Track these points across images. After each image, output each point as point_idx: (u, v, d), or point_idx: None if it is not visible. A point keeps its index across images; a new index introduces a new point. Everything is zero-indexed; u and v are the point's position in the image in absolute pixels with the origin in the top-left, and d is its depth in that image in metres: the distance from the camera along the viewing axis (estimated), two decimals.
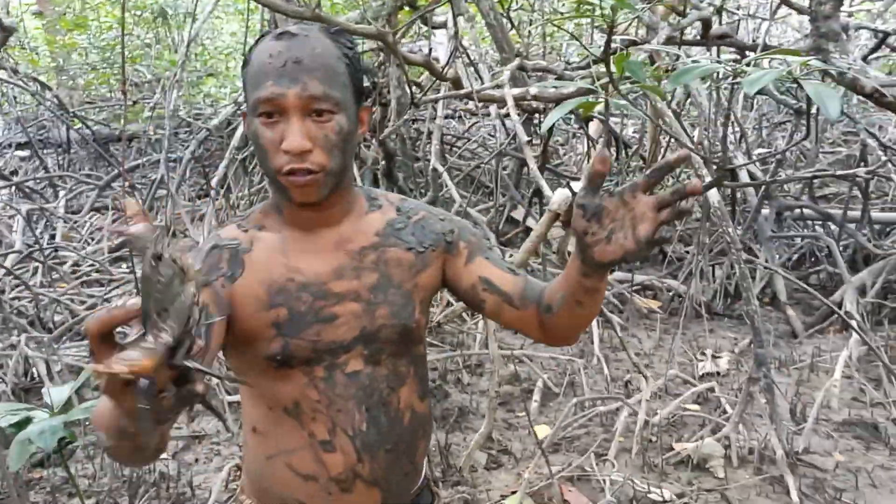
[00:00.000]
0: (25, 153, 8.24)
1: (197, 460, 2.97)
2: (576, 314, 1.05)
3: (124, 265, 5.48)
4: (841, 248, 4.53)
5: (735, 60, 1.54)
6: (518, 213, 5.22)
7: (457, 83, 2.95)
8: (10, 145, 8.36)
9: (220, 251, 1.06)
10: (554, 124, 5.05)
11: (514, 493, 2.56)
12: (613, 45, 3.15)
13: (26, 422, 1.20)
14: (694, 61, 1.39)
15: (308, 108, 0.99)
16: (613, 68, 1.34)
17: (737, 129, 5.97)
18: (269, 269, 1.06)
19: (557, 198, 1.70)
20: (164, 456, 2.99)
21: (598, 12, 1.36)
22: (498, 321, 1.19)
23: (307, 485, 1.09)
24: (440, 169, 4.05)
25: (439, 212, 1.21)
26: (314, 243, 1.09)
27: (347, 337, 1.07)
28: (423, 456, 1.20)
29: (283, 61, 0.98)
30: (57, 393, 1.22)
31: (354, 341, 1.08)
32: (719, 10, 3.62)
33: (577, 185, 1.74)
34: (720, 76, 1.26)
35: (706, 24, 3.05)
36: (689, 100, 4.98)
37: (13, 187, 6.77)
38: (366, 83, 1.09)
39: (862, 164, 4.50)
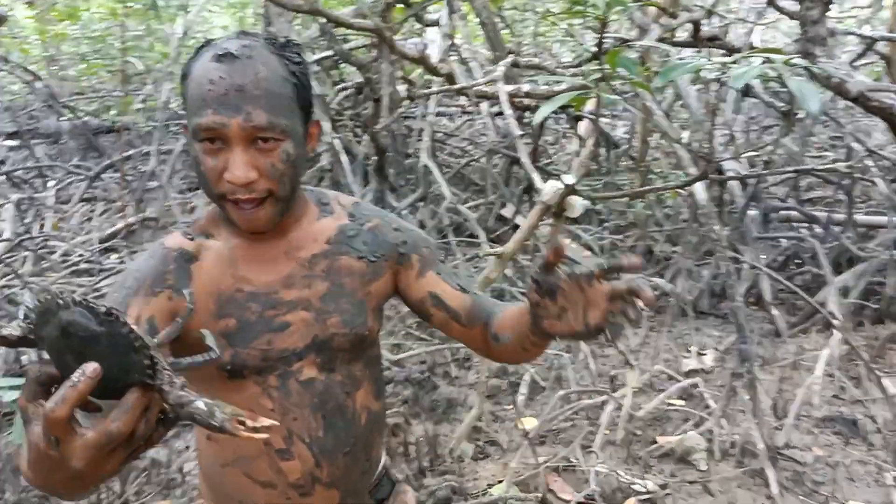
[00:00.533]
0: (13, 143, 8.21)
1: (187, 448, 2.99)
2: (521, 354, 1.09)
3: (114, 255, 5.48)
4: (826, 251, 4.60)
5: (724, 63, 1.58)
6: (508, 211, 5.27)
7: (451, 79, 2.99)
8: None
9: (163, 263, 1.03)
10: (544, 123, 5.09)
11: (500, 482, 2.60)
12: (606, 44, 3.20)
13: None
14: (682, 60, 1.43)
15: (252, 137, 0.95)
16: (606, 64, 1.38)
17: (726, 131, 6.04)
18: (216, 279, 1.04)
19: (548, 189, 1.74)
20: None
21: (590, 10, 1.40)
22: (444, 333, 1.20)
23: (266, 491, 1.09)
24: (431, 165, 4.09)
25: (393, 220, 1.19)
26: (263, 252, 1.07)
27: (300, 345, 1.06)
28: (379, 449, 1.21)
29: (225, 89, 0.93)
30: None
31: (307, 349, 1.07)
32: (710, 13, 3.68)
33: (567, 178, 1.80)
34: (709, 76, 1.30)
35: (696, 25, 3.11)
36: (678, 102, 5.05)
37: (2, 177, 6.75)
38: (313, 94, 1.05)
39: (847, 167, 4.57)
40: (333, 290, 1.09)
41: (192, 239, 1.06)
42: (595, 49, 1.39)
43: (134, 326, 0.59)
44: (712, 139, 1.43)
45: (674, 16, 2.75)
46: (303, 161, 1.02)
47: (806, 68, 1.18)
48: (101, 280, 4.63)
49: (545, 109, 1.31)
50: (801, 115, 5.99)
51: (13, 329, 0.61)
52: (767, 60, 1.12)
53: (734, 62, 1.36)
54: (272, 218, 1.01)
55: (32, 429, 0.60)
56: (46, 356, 0.60)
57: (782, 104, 4.26)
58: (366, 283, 1.12)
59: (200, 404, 0.61)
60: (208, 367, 0.97)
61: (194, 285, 1.02)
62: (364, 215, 1.16)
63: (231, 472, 1.10)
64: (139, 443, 0.63)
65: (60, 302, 0.58)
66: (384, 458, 1.26)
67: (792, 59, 1.16)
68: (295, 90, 0.98)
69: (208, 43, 0.98)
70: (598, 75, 1.35)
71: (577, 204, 1.73)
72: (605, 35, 3.58)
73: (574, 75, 2.15)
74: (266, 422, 0.63)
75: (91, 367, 0.58)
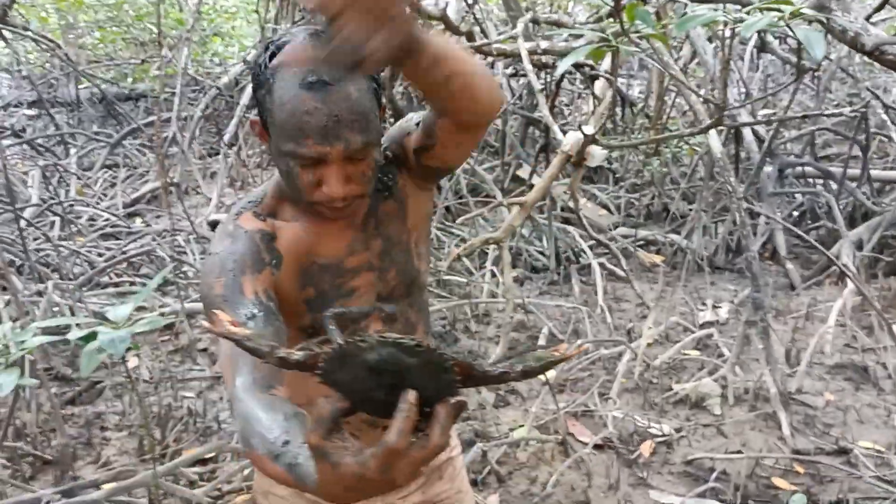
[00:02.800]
0: (33, 112, 8.32)
1: (221, 398, 3.14)
2: (447, 93, 0.97)
3: (139, 220, 5.61)
4: (841, 206, 4.64)
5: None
6: (524, 172, 5.32)
7: (470, 37, 3.04)
8: (19, 103, 8.43)
9: (254, 243, 1.06)
10: (560, 82, 5.11)
11: (521, 426, 2.72)
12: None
13: (93, 336, 1.34)
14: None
15: (348, 157, 0.99)
16: (625, 17, 1.45)
17: (743, 89, 6.03)
18: (296, 254, 1.10)
19: (570, 139, 1.81)
20: (189, 394, 3.16)
21: None
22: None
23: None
24: None
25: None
26: (327, 225, 1.12)
27: (367, 305, 1.15)
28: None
29: (324, 120, 0.95)
30: (119, 310, 1.36)
31: (373, 308, 1.16)
32: None
33: (587, 129, 1.87)
34: (724, 27, 1.36)
35: None
36: (695, 60, 5.05)
37: (24, 144, 6.87)
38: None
39: (863, 123, 4.58)
40: (386, 245, 1.15)
41: (264, 220, 1.10)
42: (612, 3, 1.45)
43: (439, 348, 0.61)
44: (725, 88, 1.49)
45: None
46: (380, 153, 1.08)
47: (814, 19, 1.24)
48: (128, 243, 4.77)
49: (567, 61, 1.38)
50: (818, 70, 5.96)
51: (296, 355, 0.63)
52: (777, 11, 1.19)
53: (747, 13, 1.42)
54: (361, 210, 1.10)
55: (338, 459, 0.62)
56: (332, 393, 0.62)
57: (797, 59, 4.27)
58: (402, 221, 1.16)
59: (518, 366, 0.65)
60: (291, 327, 1.06)
61: (282, 260, 1.08)
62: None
63: (307, 411, 1.19)
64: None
65: (363, 345, 0.59)
66: None
67: (801, 8, 1.22)
68: (375, 96, 1.01)
69: (279, 50, 0.98)
70: (616, 28, 1.42)
71: (597, 153, 1.80)
72: None
73: (593, 30, 2.21)
74: (564, 346, 0.68)
75: (412, 395, 0.60)
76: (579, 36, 3.18)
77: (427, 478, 1.33)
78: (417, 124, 1.13)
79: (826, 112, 2.58)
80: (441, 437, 0.61)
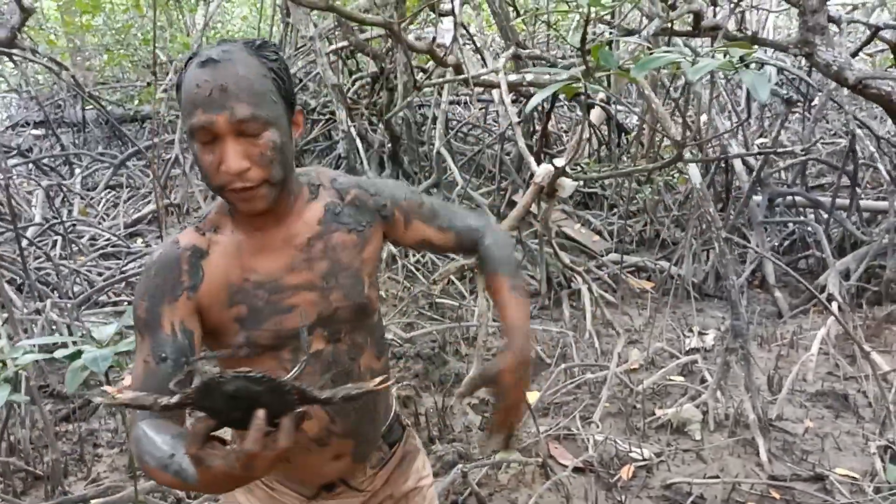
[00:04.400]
0: (39, 132, 8.46)
1: None
2: None
3: (139, 240, 5.70)
4: (832, 235, 4.71)
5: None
6: (519, 197, 5.40)
7: (458, 69, 3.13)
8: (26, 123, 8.58)
9: (178, 264, 1.12)
10: (551, 110, 5.20)
11: (504, 448, 2.76)
12: (608, 35, 3.33)
13: (78, 354, 1.41)
14: (693, 52, 1.57)
15: (239, 130, 1.04)
16: (590, 58, 1.53)
17: (737, 119, 6.12)
18: (225, 271, 1.14)
19: (541, 171, 1.88)
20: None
21: (580, 7, 1.55)
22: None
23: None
24: (444, 152, 4.24)
25: (369, 185, 1.27)
26: (265, 242, 1.16)
27: (307, 322, 1.17)
28: (386, 401, 1.35)
29: (209, 90, 1.03)
30: (104, 330, 1.43)
31: (313, 325, 1.18)
32: (714, 3, 3.78)
33: (558, 161, 1.94)
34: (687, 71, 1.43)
35: (697, 16, 3.22)
36: (687, 88, 5.15)
37: (30, 164, 6.99)
38: (293, 88, 1.14)
39: (851, 154, 4.66)
40: (333, 267, 1.19)
41: (203, 234, 1.15)
42: (580, 42, 1.53)
43: (279, 377, 0.79)
44: (685, 126, 1.57)
45: (673, 7, 2.87)
46: (290, 148, 1.11)
47: (766, 61, 1.32)
48: (127, 263, 4.85)
49: (534, 100, 1.46)
50: (814, 102, 6.06)
51: (173, 399, 0.79)
52: (726, 54, 1.26)
53: (710, 55, 1.50)
54: (269, 200, 1.10)
55: (211, 463, 0.79)
56: (201, 415, 0.80)
57: (785, 92, 4.37)
58: (359, 253, 1.22)
59: (340, 392, 0.83)
60: (225, 346, 1.17)
61: (207, 280, 1.13)
62: (343, 188, 1.25)
63: None
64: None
65: (222, 380, 0.77)
66: (395, 407, 1.41)
67: (750, 53, 1.30)
68: (275, 84, 1.08)
69: (195, 55, 1.08)
70: (582, 68, 1.50)
71: (567, 184, 1.88)
72: (612, 25, 3.71)
73: (572, 66, 2.29)
74: (378, 379, 0.86)
75: (261, 412, 0.78)
76: (568, 67, 3.28)
77: None
78: (445, 229, 1.31)
79: (793, 148, 2.64)
80: (286, 439, 0.79)
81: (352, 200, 1.24)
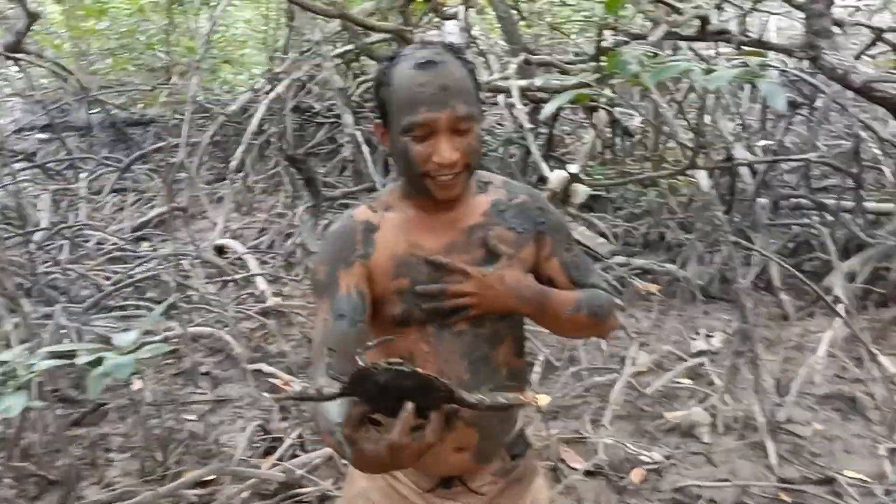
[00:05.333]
0: (45, 136, 8.48)
1: (222, 422, 3.21)
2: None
3: (146, 244, 5.71)
4: (837, 237, 4.71)
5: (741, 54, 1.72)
6: None
7: None
8: (31, 128, 8.60)
9: (353, 234, 1.25)
10: (558, 114, 5.21)
11: None
12: (617, 40, 3.34)
13: (100, 361, 1.42)
14: (699, 57, 1.59)
15: (455, 126, 1.15)
16: (605, 64, 1.54)
17: (741, 121, 6.14)
18: (394, 245, 1.23)
19: (555, 178, 1.90)
20: (191, 417, 3.23)
21: (595, 14, 1.56)
22: None
23: None
24: None
25: (538, 198, 1.35)
26: (433, 222, 1.25)
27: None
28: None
29: (433, 90, 1.13)
30: (125, 337, 1.45)
31: (463, 308, 1.23)
32: (719, 6, 3.80)
33: (571, 168, 1.95)
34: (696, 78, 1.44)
35: (703, 21, 3.24)
36: (692, 91, 5.16)
37: (36, 168, 7.02)
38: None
39: (855, 156, 4.67)
40: (487, 256, 1.25)
41: (375, 211, 1.27)
42: (595, 49, 1.55)
43: (430, 374, 0.84)
44: (699, 132, 1.58)
45: (679, 12, 2.89)
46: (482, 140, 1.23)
47: (779, 69, 1.33)
48: (134, 267, 4.86)
49: (549, 107, 1.47)
50: (817, 104, 6.07)
51: (333, 389, 0.86)
52: (744, 64, 1.28)
53: (724, 61, 1.51)
54: (462, 186, 1.20)
55: (362, 445, 0.87)
56: (357, 401, 0.87)
57: (790, 95, 4.38)
58: (515, 251, 1.27)
59: (487, 400, 0.87)
60: (382, 315, 1.24)
61: (377, 251, 1.23)
62: (514, 192, 1.32)
63: None
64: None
65: (375, 370, 0.83)
66: (522, 421, 1.42)
67: (767, 61, 1.31)
68: (474, 84, 1.19)
69: (400, 55, 1.18)
70: (597, 75, 1.51)
71: (580, 191, 1.89)
72: (617, 30, 3.73)
73: (582, 71, 2.30)
74: (531, 394, 0.90)
75: (409, 406, 0.84)
76: (578, 73, 3.29)
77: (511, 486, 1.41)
78: (574, 282, 1.32)
79: (792, 157, 2.66)
80: (433, 435, 0.86)
81: (519, 204, 1.30)
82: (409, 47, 1.20)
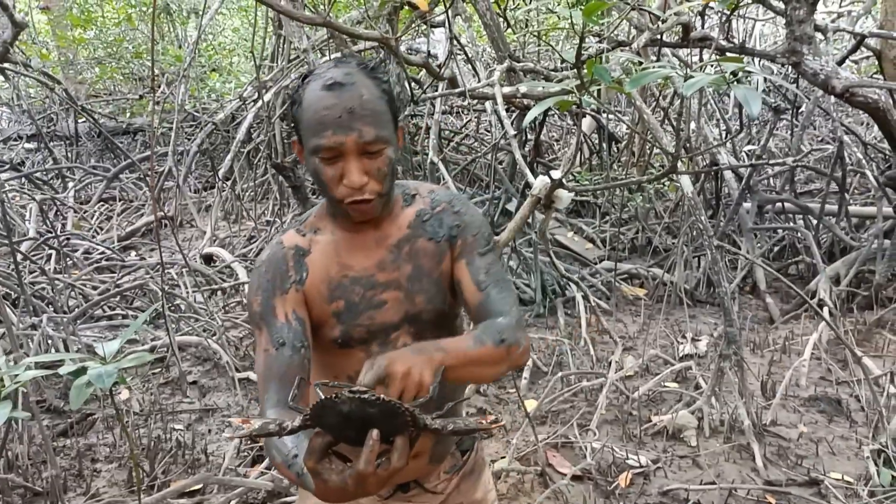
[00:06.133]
0: (32, 145, 8.44)
1: (210, 431, 3.20)
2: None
3: (134, 253, 5.69)
4: (821, 241, 4.76)
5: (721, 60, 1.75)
6: (512, 206, 5.44)
7: (453, 82, 3.17)
8: (18, 137, 8.56)
9: (284, 261, 1.23)
10: (545, 120, 5.23)
11: (503, 457, 2.79)
12: (600, 47, 3.37)
13: (82, 370, 1.42)
14: (684, 64, 1.61)
15: (363, 149, 1.13)
16: (585, 72, 1.56)
17: (724, 127, 6.19)
18: (326, 268, 1.23)
19: (538, 184, 1.92)
20: (179, 427, 3.22)
21: (570, 23, 1.58)
22: None
23: None
24: (437, 162, 4.26)
25: (458, 203, 1.31)
26: (361, 242, 1.24)
27: (395, 319, 1.25)
28: (461, 408, 1.43)
29: (339, 113, 1.10)
30: (108, 346, 1.45)
31: (401, 322, 1.25)
32: (702, 14, 3.83)
33: (555, 173, 1.97)
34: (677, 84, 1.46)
35: (686, 28, 3.27)
36: (678, 98, 5.20)
37: (23, 178, 6.98)
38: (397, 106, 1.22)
39: (839, 160, 4.72)
40: (415, 271, 1.25)
41: (303, 235, 1.26)
42: (575, 59, 1.57)
43: (394, 400, 0.84)
44: (679, 137, 1.60)
45: (662, 19, 2.92)
46: (396, 163, 1.20)
47: (762, 75, 1.36)
48: (121, 276, 4.85)
49: (530, 115, 1.49)
50: (801, 109, 6.13)
51: (295, 422, 0.86)
52: (720, 69, 1.30)
53: (700, 68, 1.54)
54: (378, 209, 1.19)
55: (327, 477, 0.86)
56: (319, 431, 0.87)
57: (773, 101, 4.42)
58: (438, 263, 1.26)
59: (450, 425, 0.87)
60: (322, 338, 1.23)
61: (310, 275, 1.22)
62: (437, 200, 1.30)
63: None
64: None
65: (338, 400, 0.83)
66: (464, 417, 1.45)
67: (744, 67, 1.33)
68: (388, 104, 1.16)
69: (312, 75, 1.16)
70: (577, 82, 1.53)
71: (564, 196, 1.91)
72: (601, 37, 3.75)
73: (565, 78, 2.33)
74: (491, 417, 0.89)
75: (375, 433, 0.84)
76: (561, 80, 3.32)
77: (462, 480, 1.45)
78: (479, 287, 1.24)
79: (786, 160, 2.69)
80: (399, 461, 0.85)
81: (439, 212, 1.29)
82: (324, 65, 1.17)
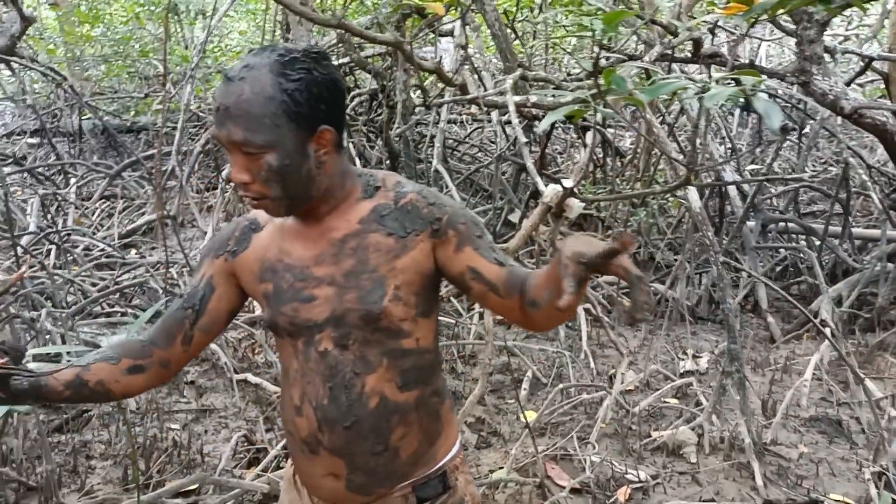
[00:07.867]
0: (35, 140, 8.43)
1: (206, 431, 3.18)
2: (555, 316, 1.12)
3: (134, 251, 5.68)
4: (824, 262, 4.75)
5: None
6: (515, 216, 5.43)
7: (463, 89, 3.17)
8: (22, 132, 8.55)
9: (232, 231, 1.27)
10: (551, 132, 5.24)
11: (501, 468, 2.77)
12: (610, 59, 3.37)
13: None
14: (689, 77, 1.60)
15: (238, 149, 1.08)
16: (602, 81, 1.56)
17: (730, 145, 6.20)
18: (266, 248, 1.23)
19: (550, 192, 1.91)
20: (175, 426, 3.20)
21: (592, 32, 1.58)
22: (482, 305, 1.29)
23: (291, 438, 1.28)
24: (441, 170, 4.26)
25: (430, 195, 1.22)
26: (306, 232, 1.21)
27: (319, 318, 1.18)
28: (406, 441, 1.23)
29: (218, 107, 1.08)
30: (110, 341, 1.43)
31: (325, 322, 1.18)
32: (712, 31, 3.85)
33: (566, 182, 1.97)
34: (688, 96, 1.46)
35: (697, 43, 3.28)
36: (683, 114, 5.21)
37: (25, 173, 6.97)
38: (322, 106, 1.10)
39: (844, 181, 4.72)
40: (358, 266, 1.17)
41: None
42: (592, 67, 1.56)
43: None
44: (695, 151, 1.60)
45: (675, 34, 2.92)
46: (299, 168, 1.10)
47: (769, 93, 1.36)
48: (121, 274, 4.83)
49: (547, 121, 1.48)
50: (806, 130, 6.15)
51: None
52: (738, 83, 1.29)
53: (716, 83, 1.53)
54: (278, 210, 1.15)
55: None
56: None
57: (781, 120, 4.43)
58: (391, 259, 1.17)
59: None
60: (267, 322, 1.24)
61: (249, 251, 1.25)
62: (402, 192, 1.21)
63: (282, 413, 1.33)
64: None
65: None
66: (443, 461, 1.29)
67: (760, 81, 1.33)
68: (283, 106, 1.06)
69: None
70: (593, 91, 1.53)
71: (575, 205, 1.90)
72: (612, 50, 3.76)
73: (577, 88, 2.33)
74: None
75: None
76: (574, 90, 3.32)
77: None
78: (500, 263, 1.20)
79: (796, 176, 2.69)
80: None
81: (405, 204, 1.20)
82: (248, 54, 1.12)
